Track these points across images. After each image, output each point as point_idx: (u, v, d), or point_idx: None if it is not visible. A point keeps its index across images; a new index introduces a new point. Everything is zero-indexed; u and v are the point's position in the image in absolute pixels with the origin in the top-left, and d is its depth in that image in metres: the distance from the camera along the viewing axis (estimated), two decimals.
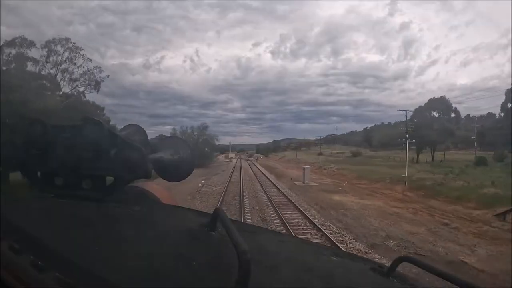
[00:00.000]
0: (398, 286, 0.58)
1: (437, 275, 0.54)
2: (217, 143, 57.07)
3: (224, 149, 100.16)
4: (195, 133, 50.54)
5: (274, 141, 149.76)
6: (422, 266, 0.57)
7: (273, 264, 0.53)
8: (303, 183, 22.56)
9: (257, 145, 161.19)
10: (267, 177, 27.51)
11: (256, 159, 79.01)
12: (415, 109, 44.33)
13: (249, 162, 62.80)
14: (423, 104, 46.85)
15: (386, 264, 0.64)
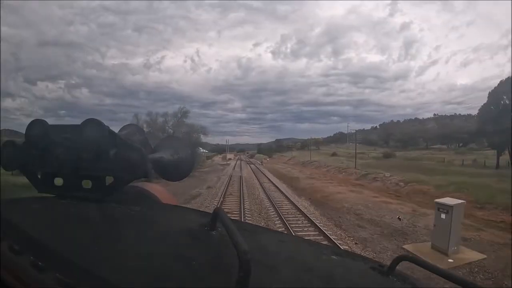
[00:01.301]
0: (398, 285, 0.58)
1: (436, 273, 0.54)
2: (203, 138, 37.71)
3: (222, 149, 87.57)
4: (170, 124, 32.00)
5: (277, 140, 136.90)
6: (422, 265, 0.57)
7: (273, 263, 0.53)
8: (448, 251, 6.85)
9: (259, 145, 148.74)
10: (304, 213, 11.04)
11: (261, 161, 57.96)
12: (490, 92, 31.07)
13: (251, 166, 44.34)
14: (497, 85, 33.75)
15: (386, 263, 0.63)
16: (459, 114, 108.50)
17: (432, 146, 70.94)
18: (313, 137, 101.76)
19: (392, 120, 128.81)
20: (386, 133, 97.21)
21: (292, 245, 0.72)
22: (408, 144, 76.42)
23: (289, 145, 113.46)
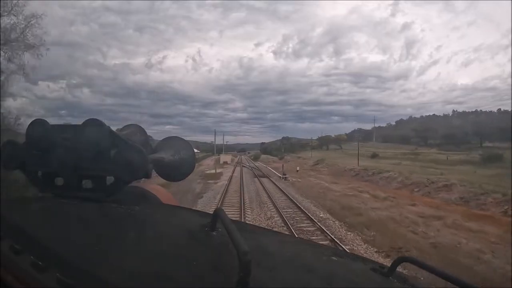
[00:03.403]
0: (398, 286, 0.58)
1: (437, 275, 0.54)
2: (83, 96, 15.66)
3: (219, 149, 68.29)
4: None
5: (283, 137, 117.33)
6: (422, 266, 0.57)
7: (273, 264, 0.52)
8: None
9: (262, 144, 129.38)
10: None
11: (284, 175, 25.85)
12: None
13: (263, 179, 24.05)
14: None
15: (387, 264, 0.63)
16: (480, 110, 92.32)
17: (485, 145, 53.13)
18: (325, 134, 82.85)
19: (410, 116, 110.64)
20: (423, 129, 78.23)
21: (292, 246, 0.71)
22: (457, 141, 58.26)
23: (304, 142, 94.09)
